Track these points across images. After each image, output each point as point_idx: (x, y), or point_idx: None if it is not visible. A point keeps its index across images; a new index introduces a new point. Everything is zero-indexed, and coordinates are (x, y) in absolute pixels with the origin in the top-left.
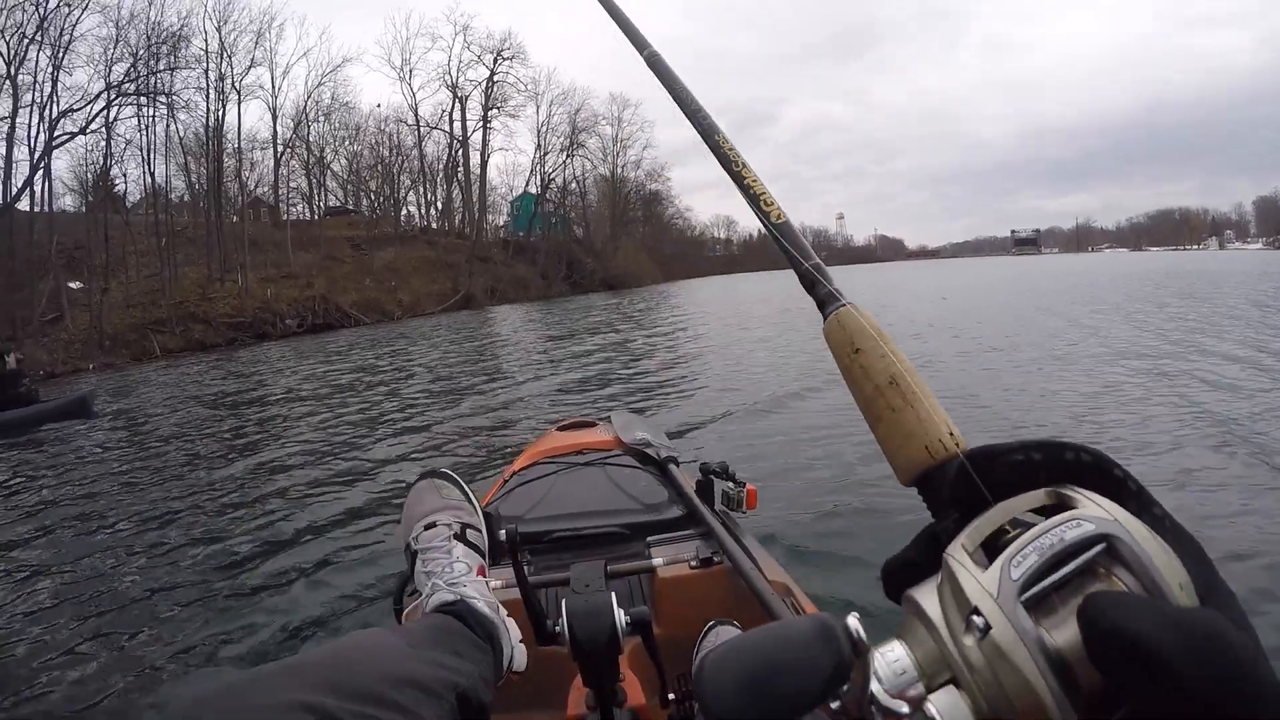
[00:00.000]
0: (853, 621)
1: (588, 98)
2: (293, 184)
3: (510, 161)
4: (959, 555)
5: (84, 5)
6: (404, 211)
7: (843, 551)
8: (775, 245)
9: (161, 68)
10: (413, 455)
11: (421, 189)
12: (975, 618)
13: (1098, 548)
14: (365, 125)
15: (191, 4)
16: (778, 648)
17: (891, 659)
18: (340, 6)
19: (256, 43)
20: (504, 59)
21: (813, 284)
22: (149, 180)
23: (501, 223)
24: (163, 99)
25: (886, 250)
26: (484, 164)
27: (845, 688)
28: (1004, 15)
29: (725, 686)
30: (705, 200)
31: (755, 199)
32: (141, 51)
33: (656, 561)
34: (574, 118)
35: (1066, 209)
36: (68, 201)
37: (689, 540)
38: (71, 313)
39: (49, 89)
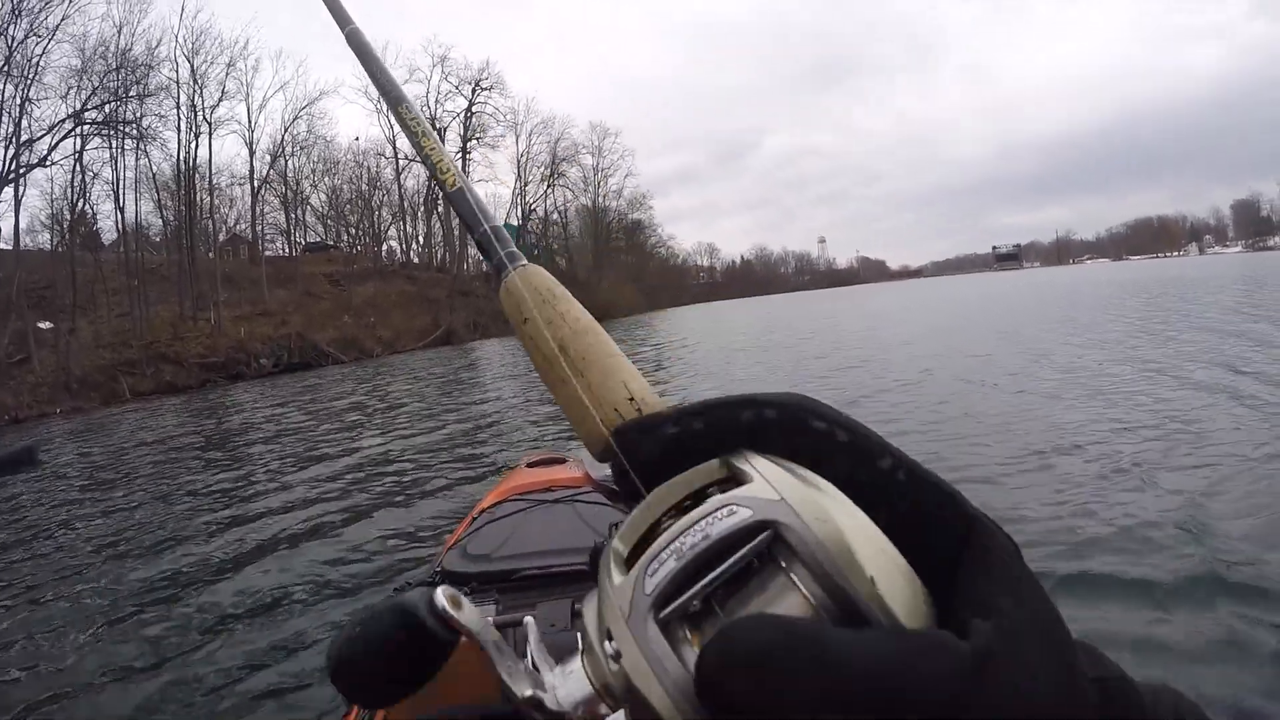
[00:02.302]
0: (439, 595)
1: (568, 127)
2: (271, 220)
3: (491, 193)
4: (606, 562)
5: (52, 36)
6: (385, 246)
7: None
8: (453, 210)
9: (131, 95)
10: (380, 497)
11: (402, 223)
12: (607, 644)
13: (758, 538)
14: (344, 159)
15: (161, 32)
16: (367, 627)
17: (569, 673)
18: (317, 39)
19: (228, 72)
20: (482, 89)
21: (487, 249)
22: (119, 216)
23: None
24: (131, 129)
25: (869, 272)
26: None
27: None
28: (977, 38)
29: (343, 665)
30: (688, 229)
31: (433, 166)
32: (109, 79)
33: None
34: (554, 147)
35: (1045, 223)
36: (44, 239)
37: None
38: (39, 354)
39: (16, 121)
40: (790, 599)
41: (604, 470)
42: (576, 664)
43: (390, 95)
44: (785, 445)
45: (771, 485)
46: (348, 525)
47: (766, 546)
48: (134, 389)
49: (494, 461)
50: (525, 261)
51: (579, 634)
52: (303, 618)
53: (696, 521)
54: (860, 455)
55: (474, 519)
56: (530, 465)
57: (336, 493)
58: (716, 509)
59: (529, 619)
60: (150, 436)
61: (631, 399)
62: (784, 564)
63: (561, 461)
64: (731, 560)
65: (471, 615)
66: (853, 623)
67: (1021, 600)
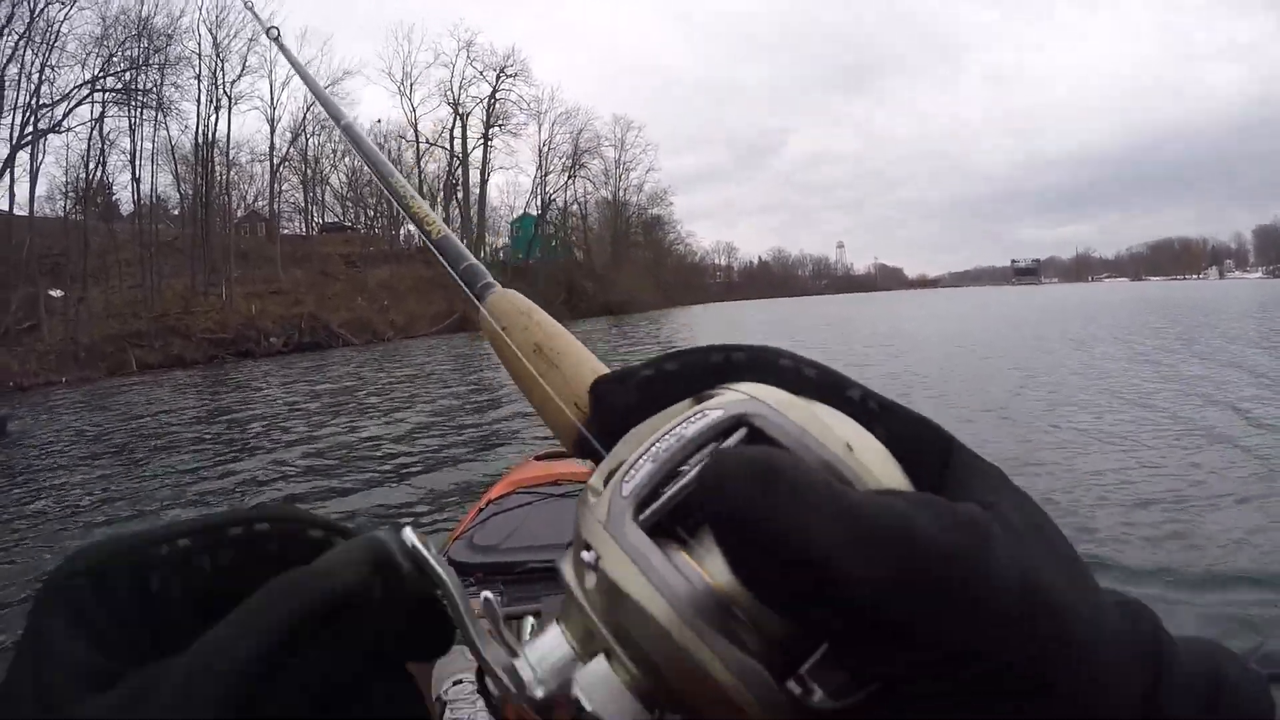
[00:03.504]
0: (409, 534)
1: (591, 119)
2: (290, 198)
3: (511, 181)
4: (584, 498)
5: (73, 3)
6: (403, 230)
7: None
8: (438, 253)
9: (151, 64)
10: (385, 483)
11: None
12: (585, 553)
13: (733, 436)
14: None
15: (184, 3)
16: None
17: (545, 644)
18: (343, 19)
19: (249, 46)
20: (507, 76)
21: (469, 281)
22: (134, 187)
23: (501, 244)
24: (150, 99)
25: (886, 279)
26: (484, 183)
27: (497, 691)
28: (1004, 50)
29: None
30: (707, 227)
31: (419, 221)
32: (127, 45)
33: None
34: (577, 138)
35: (1065, 238)
36: (63, 207)
37: None
38: (49, 322)
39: (36, 87)
40: None
41: None
42: (553, 628)
43: (381, 171)
44: (755, 381)
45: (742, 392)
46: (350, 512)
47: (742, 442)
48: (141, 361)
49: (502, 452)
50: (499, 287)
51: (565, 592)
52: None
53: (671, 429)
54: (829, 388)
55: (481, 510)
56: (538, 458)
57: (338, 477)
58: (691, 415)
59: (486, 594)
60: (153, 409)
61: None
62: None
63: (569, 455)
64: (705, 452)
65: (440, 562)
66: None
67: (1017, 504)
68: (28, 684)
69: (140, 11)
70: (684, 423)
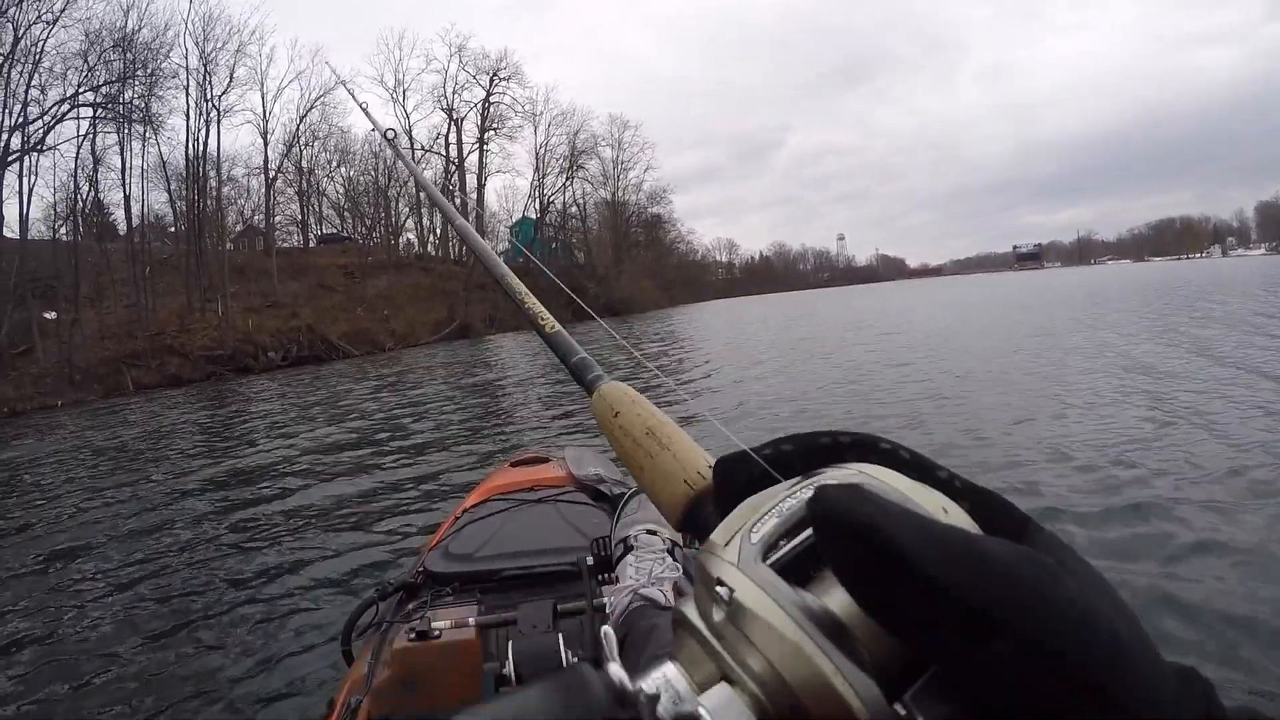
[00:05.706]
0: (614, 669)
1: (587, 119)
2: (287, 211)
3: (508, 184)
4: (706, 549)
5: (56, 21)
6: (403, 238)
7: None
8: (551, 347)
9: (136, 77)
10: (364, 495)
11: (419, 215)
12: (719, 589)
13: None
14: (360, 150)
15: (169, 15)
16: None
17: (658, 678)
18: (333, 28)
19: (237, 58)
20: (500, 79)
21: (580, 373)
22: (126, 205)
23: (501, 249)
24: (137, 111)
25: (888, 270)
26: (481, 187)
27: None
28: (1000, 43)
29: None
30: (708, 225)
31: (533, 316)
32: (108, 56)
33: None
34: (573, 139)
35: (1066, 223)
36: (60, 229)
37: None
38: (43, 344)
39: (24, 106)
40: None
41: (588, 470)
42: (666, 665)
43: (497, 271)
44: (858, 461)
45: (853, 469)
46: (328, 524)
47: None
48: (138, 381)
49: (484, 459)
50: (608, 378)
51: (679, 629)
52: (274, 622)
53: (794, 494)
54: (921, 468)
55: (457, 519)
56: (514, 465)
57: (319, 490)
58: (806, 483)
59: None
60: (144, 430)
61: (709, 465)
62: None
63: (545, 461)
64: None
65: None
66: None
67: (1084, 570)
68: None
69: (124, 25)
70: (803, 489)
